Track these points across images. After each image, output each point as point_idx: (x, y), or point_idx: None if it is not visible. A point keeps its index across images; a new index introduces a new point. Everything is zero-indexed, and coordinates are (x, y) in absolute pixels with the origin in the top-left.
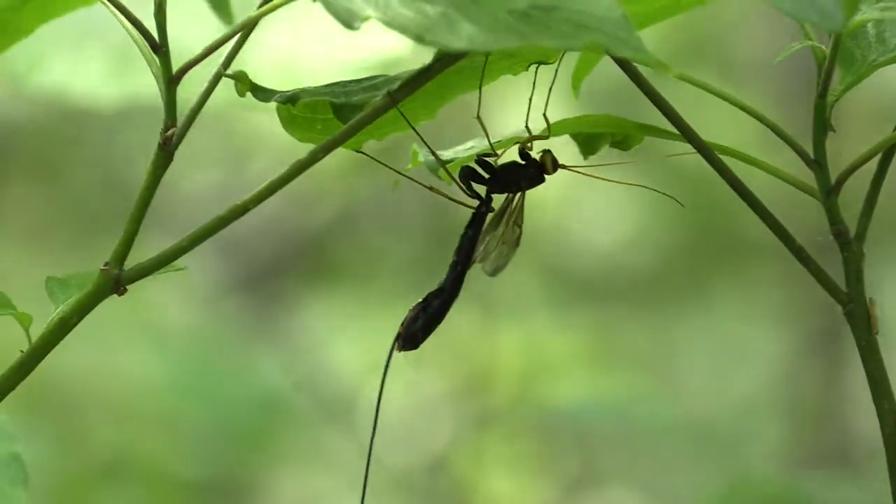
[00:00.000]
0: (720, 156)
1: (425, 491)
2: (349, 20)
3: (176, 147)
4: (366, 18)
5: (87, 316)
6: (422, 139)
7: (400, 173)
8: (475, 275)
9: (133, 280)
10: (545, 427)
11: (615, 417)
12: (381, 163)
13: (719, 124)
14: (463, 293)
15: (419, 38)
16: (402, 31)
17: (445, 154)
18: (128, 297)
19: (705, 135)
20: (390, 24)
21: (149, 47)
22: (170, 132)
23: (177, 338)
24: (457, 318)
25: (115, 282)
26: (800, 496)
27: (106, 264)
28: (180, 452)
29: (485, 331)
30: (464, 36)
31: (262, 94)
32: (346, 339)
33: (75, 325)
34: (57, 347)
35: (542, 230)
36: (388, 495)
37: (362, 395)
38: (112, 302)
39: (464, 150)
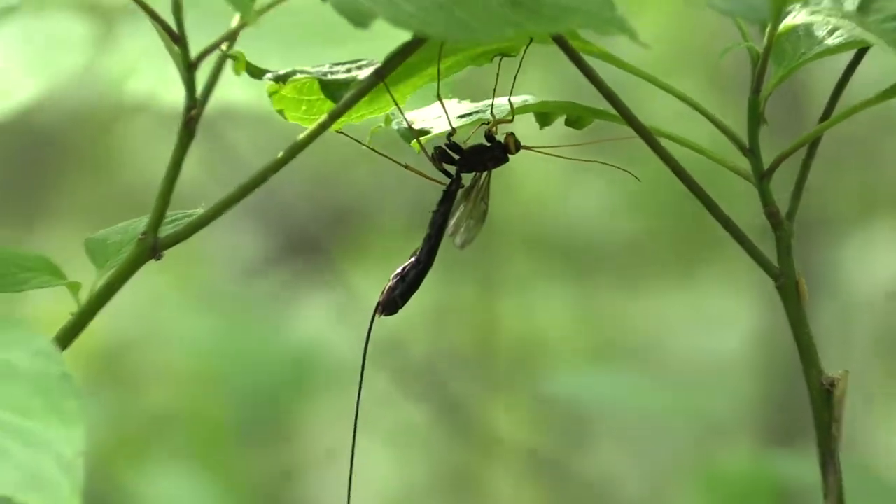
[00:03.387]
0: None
1: (440, 432)
2: (359, 19)
3: (196, 124)
4: (374, 17)
5: (143, 286)
6: (402, 114)
7: (378, 152)
8: (476, 254)
9: (168, 246)
10: (540, 386)
11: (604, 381)
12: (356, 140)
13: (678, 123)
14: (465, 270)
15: (422, 32)
16: (407, 27)
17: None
18: (177, 267)
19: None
20: (395, 20)
21: (170, 39)
22: (192, 112)
23: (221, 303)
24: (462, 290)
25: (151, 249)
26: (772, 476)
27: (143, 234)
28: (224, 407)
29: (486, 300)
30: (463, 27)
31: (256, 72)
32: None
33: (118, 289)
34: (116, 315)
35: (539, 211)
36: (408, 437)
37: (387, 354)
38: (163, 272)
39: (434, 122)
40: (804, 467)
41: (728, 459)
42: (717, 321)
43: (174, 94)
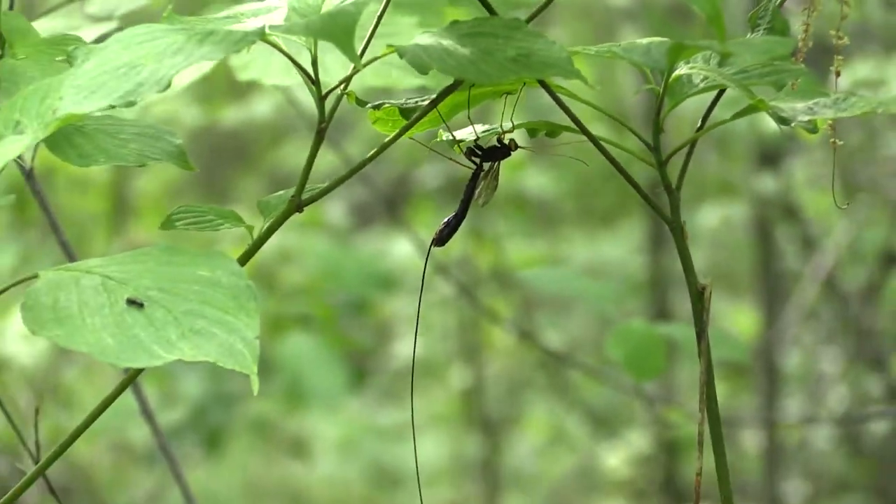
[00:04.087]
0: (603, 144)
1: (462, 306)
2: (422, 69)
3: (324, 134)
4: (431, 67)
5: (291, 229)
6: (448, 128)
7: (434, 150)
8: (482, 213)
9: (307, 204)
10: (508, 286)
11: (554, 276)
12: (421, 143)
13: (607, 133)
14: (475, 222)
15: (460, 76)
16: (451, 73)
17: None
18: (311, 217)
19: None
20: (444, 69)
21: (309, 80)
22: (322, 125)
23: (336, 238)
24: (474, 233)
25: (297, 206)
26: (660, 335)
27: (292, 196)
28: (335, 300)
29: (486, 238)
30: (485, 74)
31: (361, 103)
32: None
33: (276, 230)
34: (273, 244)
35: (516, 186)
36: (438, 308)
37: (436, 266)
38: (302, 220)
39: (467, 133)
40: (680, 332)
41: (633, 323)
42: (628, 251)
43: (275, 80)
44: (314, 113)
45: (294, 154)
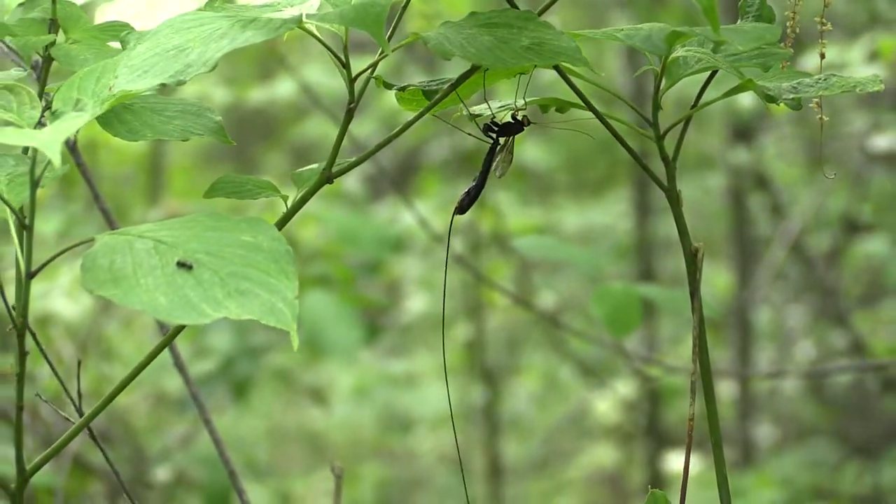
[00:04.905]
0: (608, 119)
1: (464, 274)
2: (445, 55)
3: (353, 113)
4: (452, 54)
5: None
6: (465, 106)
7: (454, 126)
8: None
9: (337, 177)
10: (508, 250)
11: (546, 243)
12: (442, 119)
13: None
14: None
15: (479, 63)
16: (469, 59)
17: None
18: (334, 188)
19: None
20: (464, 55)
21: (340, 64)
22: (352, 105)
23: (352, 207)
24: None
25: (327, 178)
26: (637, 295)
27: (323, 169)
28: (350, 262)
29: (477, 202)
30: (501, 60)
31: (388, 85)
32: (432, 210)
33: (308, 200)
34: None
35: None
36: (451, 273)
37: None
38: (329, 190)
39: (482, 110)
40: (657, 293)
41: (612, 285)
42: (616, 217)
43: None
44: (327, 95)
45: (313, 129)
